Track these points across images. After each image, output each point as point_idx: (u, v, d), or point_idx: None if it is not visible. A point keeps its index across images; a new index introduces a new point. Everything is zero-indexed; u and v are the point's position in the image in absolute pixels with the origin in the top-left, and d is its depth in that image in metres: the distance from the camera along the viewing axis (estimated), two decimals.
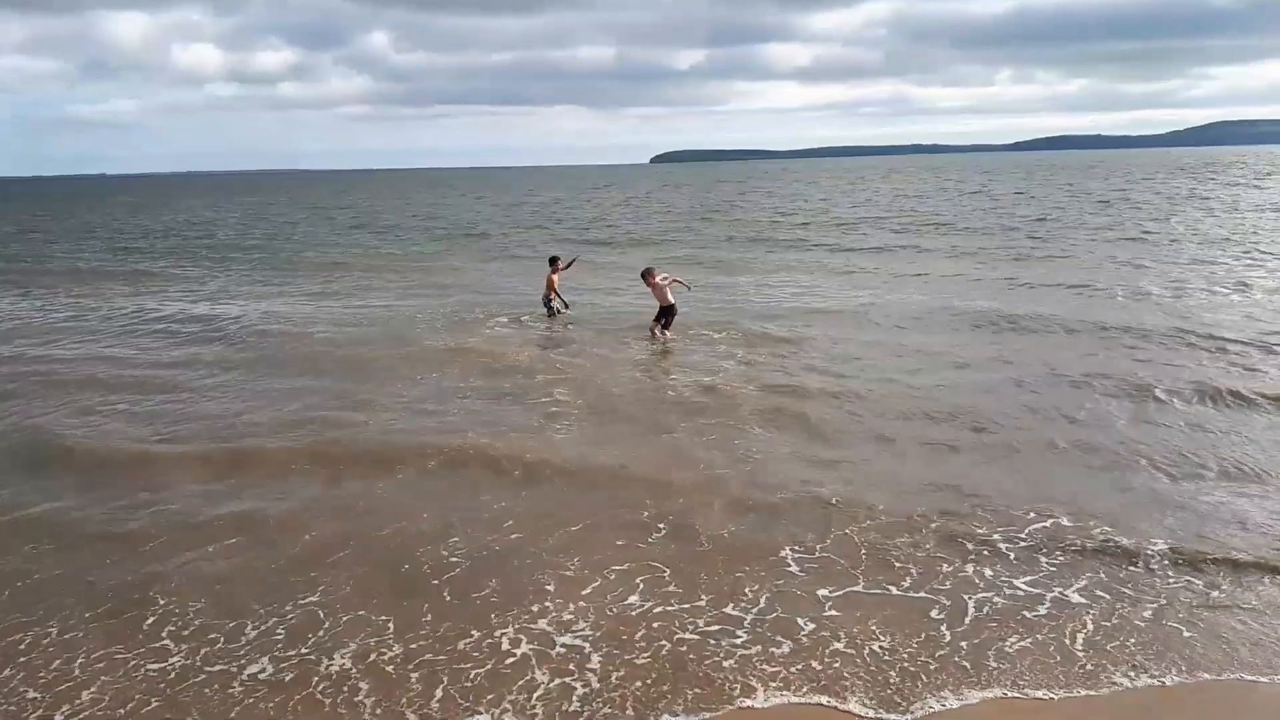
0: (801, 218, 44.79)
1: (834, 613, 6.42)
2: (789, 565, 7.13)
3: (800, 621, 6.28)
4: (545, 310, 17.97)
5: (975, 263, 24.45)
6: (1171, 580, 6.74)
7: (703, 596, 6.65)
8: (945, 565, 7.06)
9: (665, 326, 15.24)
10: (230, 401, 12.04)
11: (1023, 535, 7.51)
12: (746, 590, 6.72)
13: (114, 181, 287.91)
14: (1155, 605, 6.39)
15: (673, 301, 15.33)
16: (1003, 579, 6.81)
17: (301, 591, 6.80)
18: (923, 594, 6.64)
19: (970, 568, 7.00)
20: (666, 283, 15.34)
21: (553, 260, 18.67)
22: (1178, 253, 24.91)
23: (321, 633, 6.23)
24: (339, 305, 20.25)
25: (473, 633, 6.19)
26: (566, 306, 17.97)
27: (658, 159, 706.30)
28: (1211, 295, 18.18)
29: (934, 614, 6.34)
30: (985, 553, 7.22)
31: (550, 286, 18.07)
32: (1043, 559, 7.10)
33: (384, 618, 6.43)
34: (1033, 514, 7.89)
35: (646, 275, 15.70)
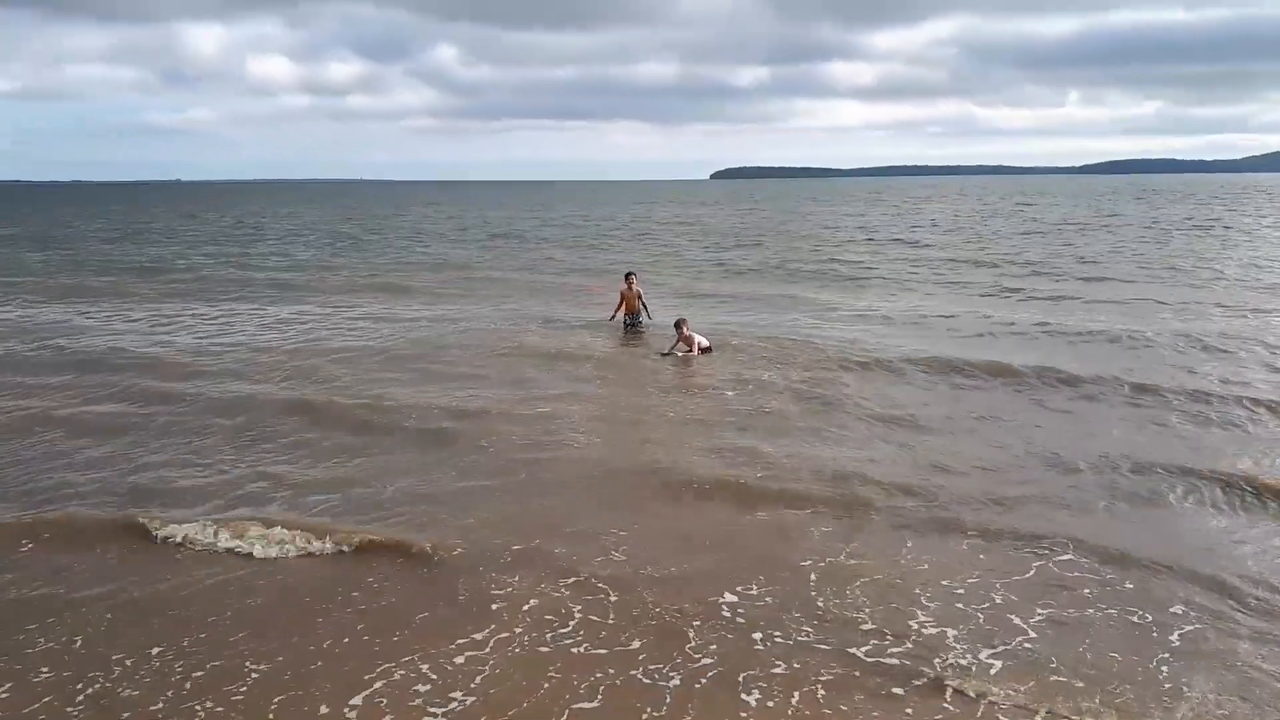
0: (846, 242, 43.32)
1: (780, 670, 5.53)
2: (723, 614, 6.25)
3: (743, 694, 5.29)
4: (631, 326, 17.10)
5: (1011, 302, 21.31)
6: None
7: (635, 641, 5.89)
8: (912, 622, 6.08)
9: (704, 350, 15.01)
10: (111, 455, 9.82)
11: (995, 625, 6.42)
12: (691, 639, 5.89)
13: (189, 187, 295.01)
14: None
15: (707, 346, 15.10)
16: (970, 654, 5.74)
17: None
18: (892, 660, 5.64)
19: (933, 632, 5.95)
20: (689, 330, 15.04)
21: (628, 276, 17.74)
22: (1220, 295, 21.16)
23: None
24: (318, 332, 18.70)
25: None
26: (634, 325, 17.22)
27: (718, 175, 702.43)
28: (1249, 351, 14.71)
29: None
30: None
31: (626, 301, 17.22)
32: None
33: (252, 668, 5.62)
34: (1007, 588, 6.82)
35: (679, 325, 15.13)
